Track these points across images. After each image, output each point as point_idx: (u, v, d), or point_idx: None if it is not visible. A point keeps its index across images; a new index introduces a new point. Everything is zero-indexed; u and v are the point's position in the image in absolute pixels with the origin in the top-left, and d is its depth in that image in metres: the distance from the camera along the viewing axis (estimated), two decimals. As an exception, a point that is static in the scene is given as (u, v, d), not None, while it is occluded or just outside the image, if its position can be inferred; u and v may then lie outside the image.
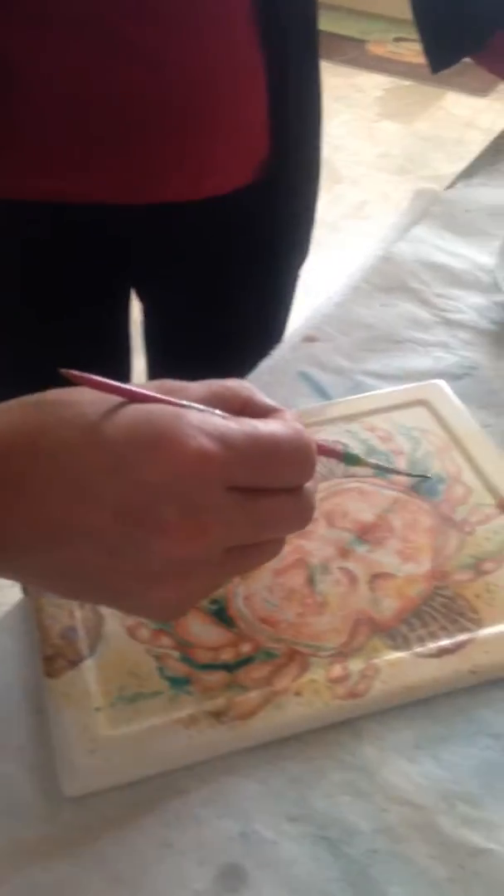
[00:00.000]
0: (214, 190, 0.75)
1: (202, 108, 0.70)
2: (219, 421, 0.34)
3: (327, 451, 0.43)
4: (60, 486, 0.32)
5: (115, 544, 0.32)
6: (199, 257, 0.82)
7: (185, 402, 0.34)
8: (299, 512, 0.36)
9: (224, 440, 0.33)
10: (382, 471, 0.53)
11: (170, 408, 0.33)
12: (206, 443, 0.32)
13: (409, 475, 0.54)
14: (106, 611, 0.47)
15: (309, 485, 0.36)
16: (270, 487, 0.35)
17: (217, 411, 0.35)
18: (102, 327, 0.87)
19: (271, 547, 0.37)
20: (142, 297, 0.91)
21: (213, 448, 0.32)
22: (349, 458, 0.45)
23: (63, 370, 0.33)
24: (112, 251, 0.80)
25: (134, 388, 0.34)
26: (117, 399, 0.34)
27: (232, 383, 0.38)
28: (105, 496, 0.32)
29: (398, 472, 0.54)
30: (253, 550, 0.36)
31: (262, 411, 0.37)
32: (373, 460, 0.50)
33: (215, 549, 0.34)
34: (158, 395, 0.34)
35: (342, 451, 0.44)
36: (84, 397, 0.34)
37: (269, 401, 0.38)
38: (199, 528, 0.33)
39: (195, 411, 0.34)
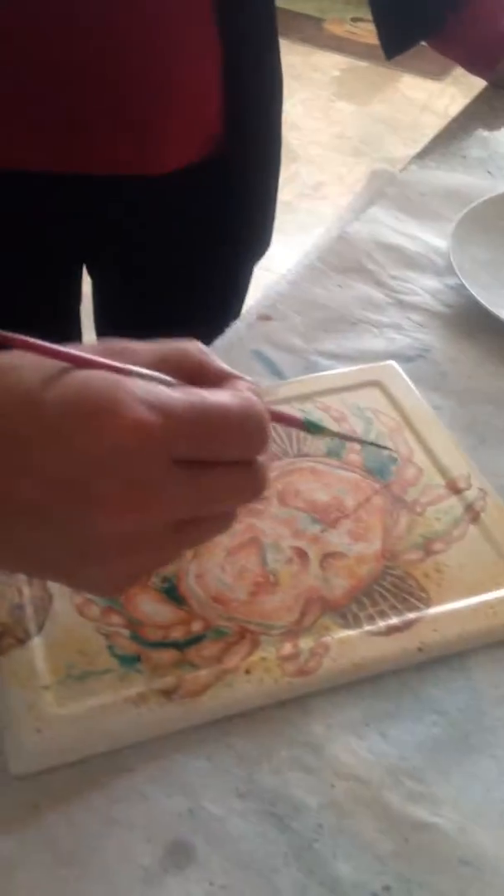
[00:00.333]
0: (166, 165, 0.74)
1: (152, 79, 0.69)
2: (162, 390, 0.32)
3: (286, 419, 0.40)
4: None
5: (53, 519, 0.31)
6: (151, 233, 0.81)
7: (129, 367, 0.33)
8: (250, 485, 0.34)
9: (166, 411, 0.31)
10: (344, 439, 0.53)
11: (110, 375, 0.32)
12: (146, 414, 0.31)
13: (371, 444, 0.54)
14: (55, 588, 0.46)
15: (261, 457, 0.35)
16: (218, 460, 0.33)
17: (163, 377, 0.33)
18: (51, 303, 0.86)
19: (221, 520, 0.36)
20: (92, 273, 0.89)
21: (154, 419, 0.31)
22: (311, 426, 0.42)
23: (0, 332, 0.32)
24: (61, 224, 0.78)
25: (75, 352, 0.32)
26: (60, 365, 0.32)
27: (185, 345, 0.35)
28: (41, 469, 0.31)
29: (360, 441, 0.54)
30: (202, 524, 0.35)
31: (216, 377, 0.35)
32: (334, 429, 0.50)
33: (158, 524, 0.33)
34: (101, 360, 0.33)
35: (302, 420, 0.41)
36: (25, 362, 0.32)
37: (224, 366, 0.36)
38: (140, 502, 0.31)
39: (137, 379, 0.32)
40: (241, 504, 0.35)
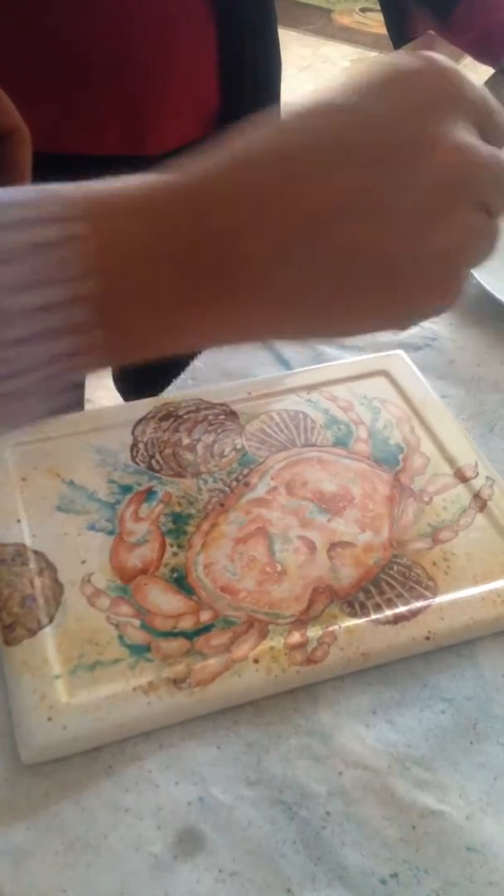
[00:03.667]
0: (164, 144, 0.74)
1: (148, 58, 0.69)
2: None
3: None
4: (313, 155, 0.31)
5: (384, 196, 0.31)
6: None
7: None
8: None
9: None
10: None
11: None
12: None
13: None
14: (65, 579, 0.46)
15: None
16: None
17: None
18: None
19: (495, 234, 0.36)
20: None
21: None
22: None
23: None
24: None
25: None
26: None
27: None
28: (360, 148, 0.31)
29: None
30: (488, 229, 0.35)
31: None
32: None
33: (478, 182, 0.33)
34: None
35: None
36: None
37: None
38: (464, 143, 0.32)
39: None
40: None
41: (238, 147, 0.31)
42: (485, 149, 0.33)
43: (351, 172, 0.30)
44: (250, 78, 0.76)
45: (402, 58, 0.33)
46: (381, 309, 0.34)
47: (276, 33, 0.79)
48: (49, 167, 0.72)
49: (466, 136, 0.32)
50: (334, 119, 0.31)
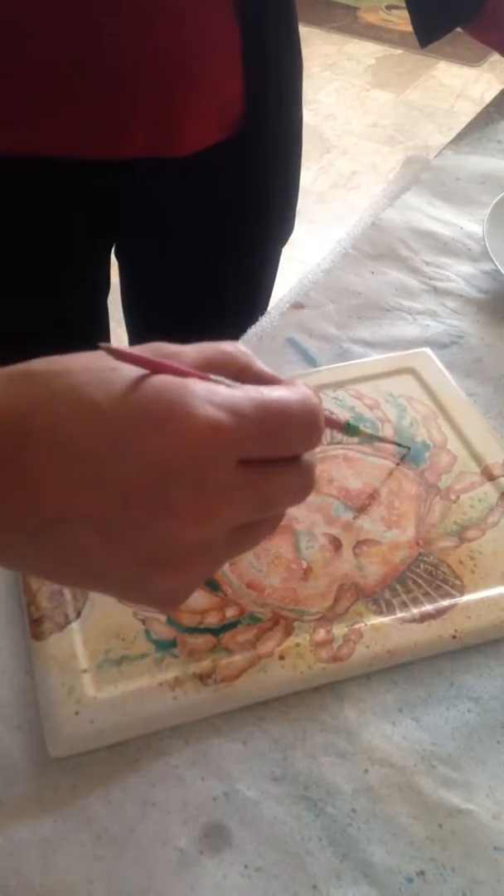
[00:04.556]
0: (190, 147, 0.74)
1: (173, 62, 0.69)
2: (224, 390, 0.31)
3: (328, 422, 0.39)
4: (60, 469, 0.29)
5: (119, 530, 0.30)
6: (176, 217, 0.81)
7: (191, 371, 0.32)
8: (302, 484, 0.34)
9: (234, 410, 0.30)
10: (377, 440, 0.53)
11: (174, 378, 0.30)
12: (217, 414, 0.30)
13: (397, 444, 0.54)
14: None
15: (307, 456, 0.34)
16: (281, 457, 0.32)
17: (222, 378, 0.33)
18: (79, 292, 0.86)
19: (272, 523, 0.35)
20: (120, 260, 0.90)
21: (225, 420, 0.30)
22: (349, 429, 0.43)
23: (102, 345, 0.31)
24: (86, 210, 0.78)
25: (162, 361, 0.32)
26: (107, 364, 0.31)
27: (228, 347, 0.35)
28: (110, 479, 0.29)
29: (393, 443, 0.54)
30: (256, 528, 0.34)
31: (259, 380, 0.34)
32: (367, 430, 0.50)
33: (223, 531, 0.32)
34: (186, 369, 0.32)
35: (342, 422, 0.41)
36: (72, 365, 0.31)
37: (266, 368, 0.35)
38: (210, 510, 0.30)
39: (198, 380, 0.31)
40: (293, 505, 0.34)
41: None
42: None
43: (98, 497, 0.30)
44: (274, 78, 0.76)
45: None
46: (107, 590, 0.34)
47: (298, 32, 0.79)
48: (79, 172, 0.73)
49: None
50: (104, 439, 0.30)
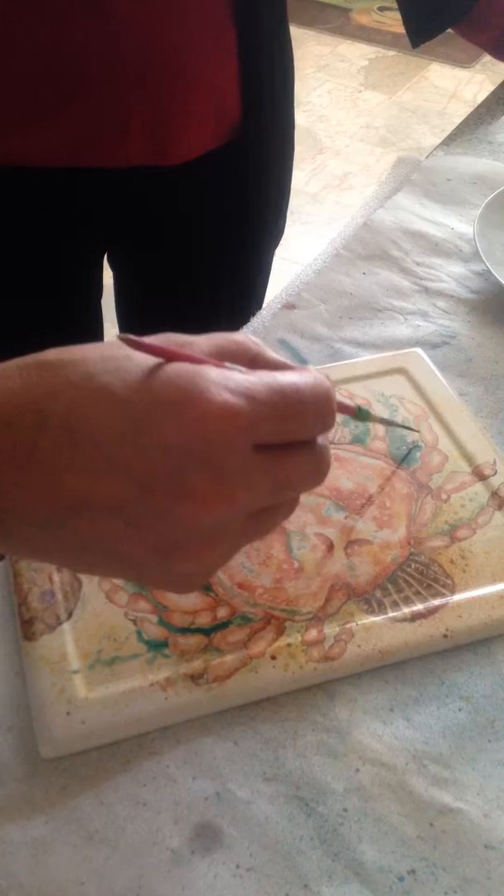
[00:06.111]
0: (185, 154, 0.74)
1: (169, 70, 0.69)
2: (239, 376, 0.31)
3: (340, 407, 0.39)
4: (77, 456, 0.29)
5: (138, 515, 0.30)
6: (170, 222, 0.81)
7: (207, 359, 0.32)
8: (318, 467, 0.34)
9: (248, 394, 0.31)
10: (389, 424, 0.53)
11: (188, 365, 0.31)
12: (232, 399, 0.30)
13: (409, 429, 0.54)
14: (84, 575, 0.47)
15: (321, 439, 0.34)
16: (295, 440, 0.33)
17: (235, 365, 0.33)
18: (73, 295, 0.86)
19: (289, 507, 0.35)
20: (114, 265, 0.90)
21: (240, 404, 0.30)
22: (361, 414, 0.41)
23: (120, 335, 0.31)
24: (80, 218, 0.78)
25: (178, 350, 0.32)
26: (122, 353, 0.31)
27: (239, 337, 0.35)
28: (127, 465, 0.30)
29: (404, 427, 0.54)
30: (272, 512, 0.34)
31: (272, 368, 0.34)
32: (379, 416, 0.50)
33: (240, 515, 0.32)
34: (202, 357, 0.32)
35: (354, 408, 0.40)
36: (87, 354, 0.31)
37: (277, 356, 0.35)
38: (227, 493, 0.30)
39: (213, 367, 0.31)
40: (309, 488, 0.35)
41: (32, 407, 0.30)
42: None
43: (116, 482, 0.30)
44: (269, 83, 0.76)
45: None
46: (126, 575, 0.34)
47: (289, 35, 0.79)
48: (74, 181, 0.73)
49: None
50: (119, 425, 0.30)
